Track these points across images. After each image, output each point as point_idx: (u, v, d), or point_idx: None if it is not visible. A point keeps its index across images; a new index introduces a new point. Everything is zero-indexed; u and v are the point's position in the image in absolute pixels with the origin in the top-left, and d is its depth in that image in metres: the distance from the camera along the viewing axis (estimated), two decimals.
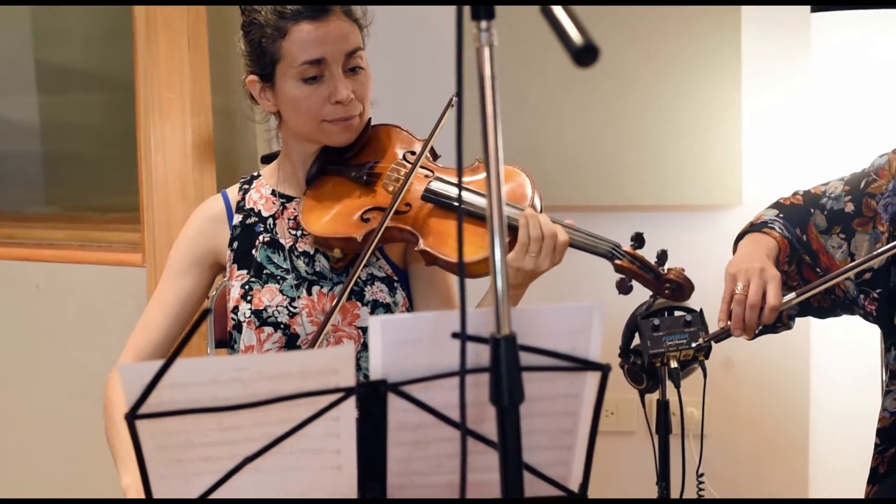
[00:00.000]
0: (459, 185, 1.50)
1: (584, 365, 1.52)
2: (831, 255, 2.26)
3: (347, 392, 1.48)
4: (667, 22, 3.20)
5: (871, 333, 2.45)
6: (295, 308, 2.22)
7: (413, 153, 2.27)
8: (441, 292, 2.28)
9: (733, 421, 3.31)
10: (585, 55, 1.09)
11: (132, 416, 1.43)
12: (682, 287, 2.08)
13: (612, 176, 3.29)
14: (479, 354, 1.47)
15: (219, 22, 3.20)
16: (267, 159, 3.16)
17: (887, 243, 2.18)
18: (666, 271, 2.09)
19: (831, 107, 2.97)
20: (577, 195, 3.29)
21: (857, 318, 2.29)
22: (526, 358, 1.44)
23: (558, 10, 1.11)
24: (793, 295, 2.15)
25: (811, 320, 2.44)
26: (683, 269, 2.10)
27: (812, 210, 2.29)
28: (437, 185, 2.19)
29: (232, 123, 3.38)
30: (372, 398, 1.50)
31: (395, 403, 1.51)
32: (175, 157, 2.86)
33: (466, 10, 1.28)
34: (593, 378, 1.55)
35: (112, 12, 3.63)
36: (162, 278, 2.32)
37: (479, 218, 2.11)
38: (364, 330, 2.21)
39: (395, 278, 2.25)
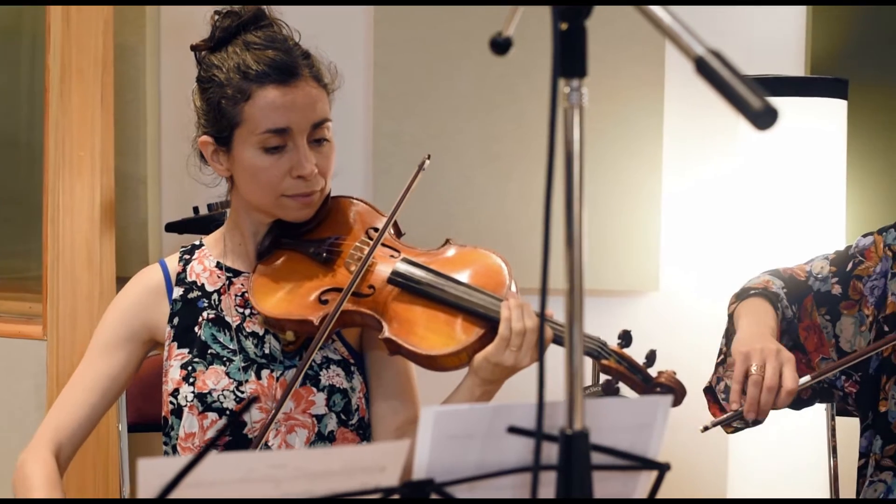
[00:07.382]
0: None
1: (644, 463, 1.38)
2: (823, 335, 2.19)
3: (387, 493, 1.29)
4: (589, 101, 3.11)
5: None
6: (242, 393, 2.03)
7: (376, 230, 2.10)
8: (402, 380, 2.11)
9: None
10: (765, 118, 0.97)
11: None
12: (675, 392, 1.91)
13: (526, 258, 3.16)
14: (532, 451, 1.32)
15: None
16: (172, 227, 2.94)
17: (870, 327, 2.14)
18: (656, 374, 1.95)
19: (756, 192, 2.92)
20: None
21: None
22: None
23: (726, 73, 0.99)
24: (808, 378, 2.05)
25: None
26: (675, 372, 1.95)
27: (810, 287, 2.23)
28: (404, 268, 2.04)
29: (123, 188, 3.14)
30: (413, 499, 1.32)
31: None
32: (83, 220, 2.61)
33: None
34: (647, 477, 1.40)
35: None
36: (89, 350, 2.10)
37: (450, 305, 1.99)
38: (319, 418, 2.02)
39: (352, 361, 2.07)
